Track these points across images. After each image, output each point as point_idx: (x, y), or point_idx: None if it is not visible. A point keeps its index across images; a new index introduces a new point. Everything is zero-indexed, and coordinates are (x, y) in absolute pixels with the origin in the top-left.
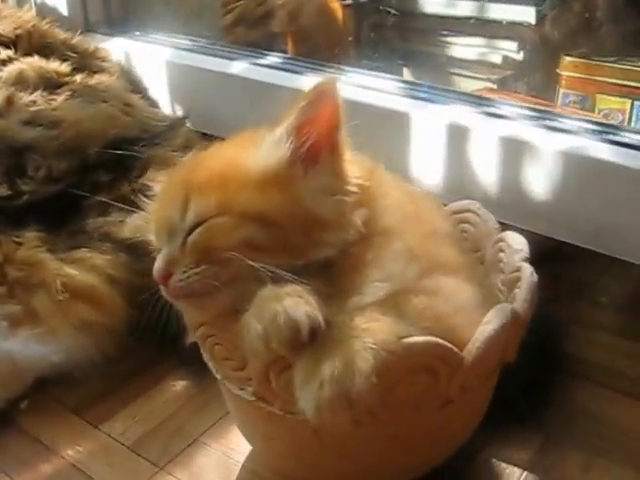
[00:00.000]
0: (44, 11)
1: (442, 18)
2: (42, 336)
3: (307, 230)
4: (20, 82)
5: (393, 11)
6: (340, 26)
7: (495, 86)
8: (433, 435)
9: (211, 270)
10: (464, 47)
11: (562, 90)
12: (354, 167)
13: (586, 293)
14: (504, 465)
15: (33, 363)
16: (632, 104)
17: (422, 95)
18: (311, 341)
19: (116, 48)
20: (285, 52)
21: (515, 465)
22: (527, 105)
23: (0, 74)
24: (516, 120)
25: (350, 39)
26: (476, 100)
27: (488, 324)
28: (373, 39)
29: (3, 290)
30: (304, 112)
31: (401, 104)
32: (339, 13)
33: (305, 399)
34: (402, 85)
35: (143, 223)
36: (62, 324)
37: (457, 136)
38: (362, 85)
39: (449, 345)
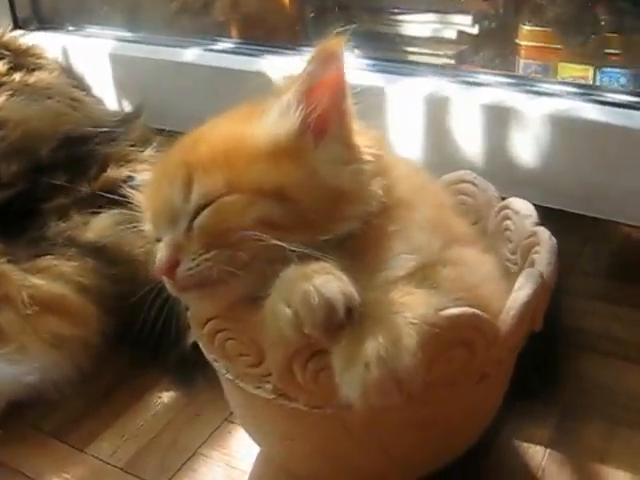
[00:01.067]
0: None
1: None
2: (11, 355)
3: (327, 203)
4: None
5: None
6: (286, 11)
7: (453, 62)
8: (467, 415)
9: (224, 254)
10: (417, 24)
11: (522, 60)
12: (363, 136)
13: (575, 262)
14: (526, 445)
15: (5, 385)
16: (594, 71)
17: (394, 70)
18: (348, 320)
19: (50, 44)
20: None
21: (538, 444)
22: (506, 73)
23: None
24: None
25: (297, 23)
26: (449, 71)
27: (520, 290)
28: (321, 22)
29: None
30: (311, 76)
31: (375, 80)
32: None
33: (349, 383)
34: (371, 62)
35: (109, 223)
36: (32, 340)
37: (435, 107)
38: None
39: (486, 316)
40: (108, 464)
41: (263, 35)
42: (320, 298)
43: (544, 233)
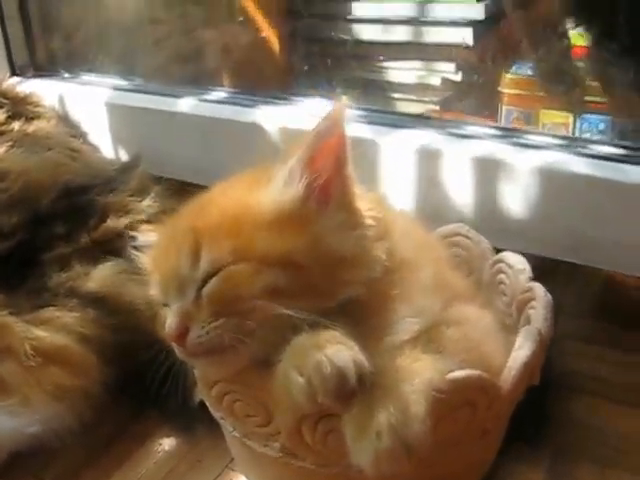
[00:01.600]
0: None
1: (378, 44)
2: (14, 407)
3: (332, 270)
4: None
5: (329, 40)
6: (276, 58)
7: (437, 107)
8: (469, 468)
9: (232, 322)
10: (403, 71)
11: (505, 107)
12: (363, 199)
13: (562, 306)
14: None
15: (6, 437)
16: (575, 117)
17: (386, 121)
18: (359, 388)
19: (47, 92)
20: (222, 84)
21: None
22: (494, 125)
23: None
24: (484, 139)
25: (288, 72)
26: (439, 123)
27: (520, 349)
28: (311, 71)
29: None
30: (313, 145)
31: (366, 132)
32: (274, 45)
33: (361, 452)
34: (362, 112)
35: (110, 273)
36: (35, 392)
37: (425, 160)
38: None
39: (489, 377)
40: None
41: (255, 83)
42: (333, 368)
43: (540, 289)
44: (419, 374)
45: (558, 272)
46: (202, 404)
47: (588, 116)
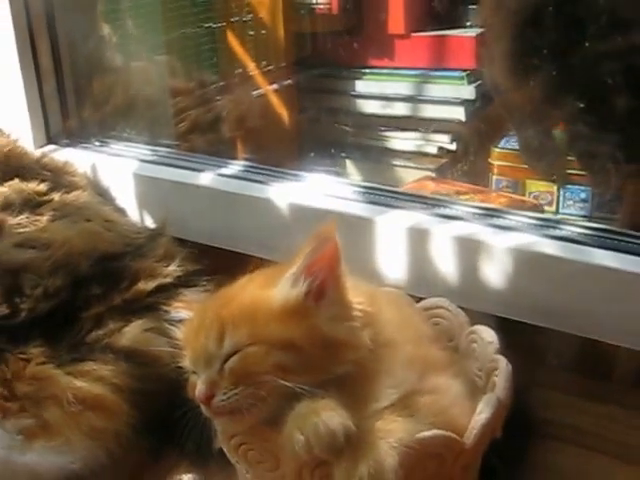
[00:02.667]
0: (3, 125)
1: (379, 117)
2: (58, 447)
3: (327, 352)
4: (6, 207)
5: (335, 112)
6: (286, 127)
7: (434, 175)
8: None
9: (248, 390)
10: (403, 140)
11: (495, 177)
12: (355, 293)
13: (541, 359)
14: None
15: (51, 474)
16: (558, 187)
17: (380, 200)
18: (347, 444)
19: (79, 160)
20: (236, 155)
21: None
22: (477, 205)
23: None
24: (468, 221)
25: (296, 138)
26: (429, 202)
27: (481, 414)
28: (318, 137)
29: (15, 406)
30: (310, 256)
31: (363, 210)
32: (284, 115)
33: None
34: (362, 190)
35: (139, 330)
36: (75, 434)
37: (416, 237)
38: (326, 193)
39: (453, 435)
40: None
41: (267, 153)
42: (326, 429)
43: (502, 362)
44: (393, 433)
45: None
46: (218, 450)
47: (570, 186)
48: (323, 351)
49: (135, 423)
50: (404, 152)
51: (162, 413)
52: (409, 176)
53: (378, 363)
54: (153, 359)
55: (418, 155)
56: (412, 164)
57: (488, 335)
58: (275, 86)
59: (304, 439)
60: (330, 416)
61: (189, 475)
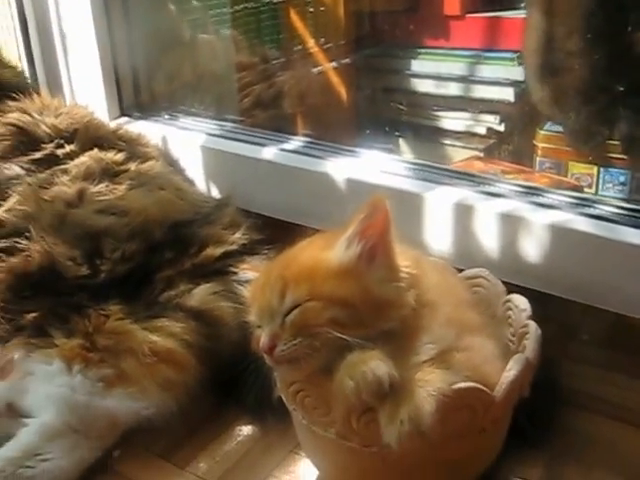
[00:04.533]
0: (79, 98)
1: (432, 96)
2: (134, 394)
3: (375, 309)
4: (87, 176)
5: (391, 91)
6: (344, 104)
7: (482, 154)
8: (471, 457)
9: (306, 342)
10: (454, 120)
11: (538, 158)
12: (402, 257)
13: (572, 333)
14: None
15: (128, 417)
16: (598, 169)
17: (429, 177)
18: (391, 391)
19: (150, 133)
20: (296, 130)
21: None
22: (519, 183)
23: (68, 168)
24: (511, 198)
25: (353, 116)
26: (475, 179)
27: (510, 370)
28: (373, 115)
29: (96, 357)
30: (363, 222)
31: (414, 185)
32: (342, 92)
33: (390, 434)
34: (413, 167)
35: (207, 292)
36: (149, 383)
37: (462, 212)
38: (377, 169)
39: (484, 388)
40: None
41: (327, 129)
42: (373, 376)
43: (532, 326)
44: (432, 383)
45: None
46: (277, 400)
47: (610, 169)
48: (372, 308)
49: (202, 377)
50: (454, 132)
51: (226, 369)
52: (458, 155)
53: (420, 321)
54: (218, 320)
55: (467, 135)
56: (461, 143)
57: (522, 303)
58: (334, 64)
59: (354, 384)
60: (377, 365)
61: (247, 427)
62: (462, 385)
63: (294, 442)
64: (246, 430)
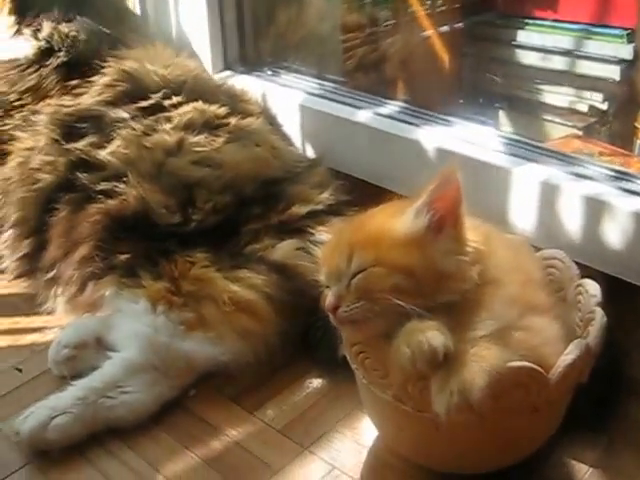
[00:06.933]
0: (185, 50)
1: (537, 70)
2: (212, 339)
3: (437, 281)
4: (188, 126)
5: (495, 61)
6: (446, 71)
7: (581, 133)
8: (523, 434)
9: (367, 305)
10: (556, 95)
11: (639, 141)
12: (472, 232)
13: None
14: (574, 462)
15: (206, 360)
16: None
17: (520, 152)
18: (444, 361)
19: (252, 87)
20: (395, 95)
21: (583, 462)
22: (610, 167)
23: (172, 116)
24: (599, 181)
25: (454, 84)
26: (566, 159)
27: (568, 355)
28: (474, 86)
29: (179, 301)
30: (433, 193)
31: (503, 160)
32: (446, 59)
33: (439, 403)
34: (506, 141)
35: (290, 248)
36: (228, 330)
37: (547, 192)
38: (469, 140)
39: (539, 369)
40: (269, 426)
41: (425, 95)
42: (429, 346)
43: (599, 313)
44: (486, 359)
45: None
46: (343, 358)
47: None
48: (433, 279)
49: (280, 329)
50: (555, 107)
51: (301, 324)
52: (556, 132)
53: (482, 297)
54: (299, 275)
55: (568, 111)
56: (561, 120)
57: (593, 288)
58: (442, 29)
59: (409, 352)
60: (434, 335)
61: (317, 380)
62: (517, 364)
63: (359, 400)
64: (315, 383)
